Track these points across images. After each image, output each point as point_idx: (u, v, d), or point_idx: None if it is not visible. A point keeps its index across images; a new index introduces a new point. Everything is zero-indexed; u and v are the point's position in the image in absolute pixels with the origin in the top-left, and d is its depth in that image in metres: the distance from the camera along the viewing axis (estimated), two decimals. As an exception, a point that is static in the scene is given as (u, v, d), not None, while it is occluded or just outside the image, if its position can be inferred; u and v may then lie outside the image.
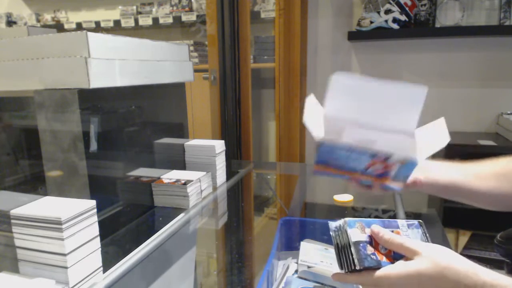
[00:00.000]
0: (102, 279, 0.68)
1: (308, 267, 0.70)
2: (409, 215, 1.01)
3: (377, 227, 0.55)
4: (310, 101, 0.59)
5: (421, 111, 0.53)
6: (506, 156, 0.70)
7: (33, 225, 0.60)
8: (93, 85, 0.78)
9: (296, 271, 0.73)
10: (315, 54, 2.25)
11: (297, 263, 0.74)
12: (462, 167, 0.71)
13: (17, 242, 0.62)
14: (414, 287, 0.50)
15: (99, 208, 0.68)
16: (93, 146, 0.84)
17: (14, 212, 0.61)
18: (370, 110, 0.53)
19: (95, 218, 0.66)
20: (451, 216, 1.56)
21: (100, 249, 0.68)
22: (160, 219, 0.97)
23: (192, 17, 2.68)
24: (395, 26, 1.92)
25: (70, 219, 0.60)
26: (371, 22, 1.97)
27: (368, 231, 0.54)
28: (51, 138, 0.82)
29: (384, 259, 0.52)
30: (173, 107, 1.21)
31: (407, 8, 1.90)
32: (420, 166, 0.58)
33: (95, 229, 0.66)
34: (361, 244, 0.52)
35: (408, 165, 0.56)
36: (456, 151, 1.68)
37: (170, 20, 2.73)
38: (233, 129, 1.77)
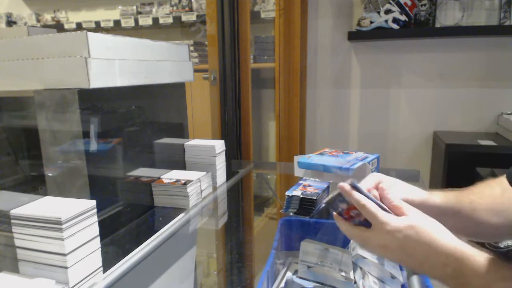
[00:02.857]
0: (102, 279, 0.68)
1: (308, 267, 0.70)
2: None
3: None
4: None
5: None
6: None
7: (33, 225, 0.60)
8: (93, 85, 0.78)
9: (296, 271, 0.73)
10: (315, 54, 2.25)
11: (297, 263, 0.74)
12: (458, 193, 0.67)
13: (17, 242, 0.62)
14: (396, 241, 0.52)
15: (99, 208, 0.68)
16: (93, 146, 0.84)
17: (14, 212, 0.61)
18: None
19: (95, 218, 0.66)
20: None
21: (100, 249, 0.68)
22: (160, 219, 0.97)
23: (192, 17, 2.67)
24: (395, 26, 1.92)
25: (70, 219, 0.60)
26: (371, 22, 1.97)
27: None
28: (51, 138, 0.81)
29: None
30: (173, 107, 1.21)
31: (407, 8, 1.90)
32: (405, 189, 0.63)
33: (95, 229, 0.66)
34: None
35: None
36: (456, 151, 1.68)
37: (170, 20, 2.73)
38: (233, 129, 1.77)
